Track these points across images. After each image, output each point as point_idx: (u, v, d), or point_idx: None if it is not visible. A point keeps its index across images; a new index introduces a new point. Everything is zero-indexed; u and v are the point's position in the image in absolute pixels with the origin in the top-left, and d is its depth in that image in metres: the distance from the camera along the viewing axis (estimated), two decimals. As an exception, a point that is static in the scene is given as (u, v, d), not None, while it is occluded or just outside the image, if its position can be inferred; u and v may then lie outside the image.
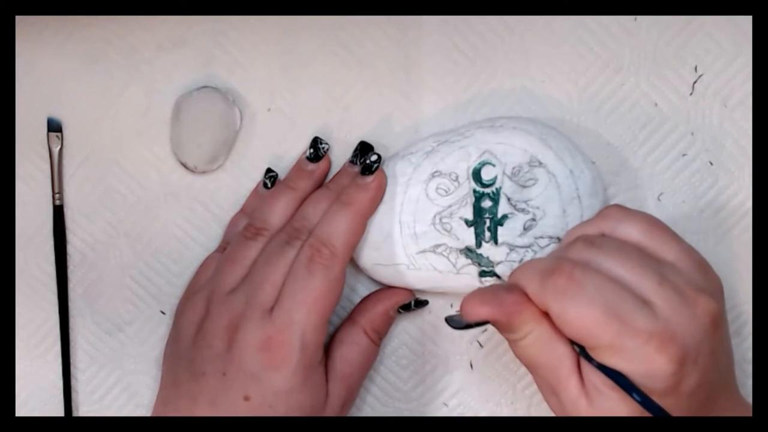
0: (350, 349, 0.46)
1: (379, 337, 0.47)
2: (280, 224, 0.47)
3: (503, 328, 0.39)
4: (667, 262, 0.39)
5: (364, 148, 0.47)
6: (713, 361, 0.38)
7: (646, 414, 0.37)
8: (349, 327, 0.47)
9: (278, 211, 0.47)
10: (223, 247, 0.48)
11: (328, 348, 0.46)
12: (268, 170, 0.49)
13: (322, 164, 0.48)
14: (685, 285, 0.38)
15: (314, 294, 0.43)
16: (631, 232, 0.40)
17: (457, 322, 0.40)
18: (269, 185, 0.48)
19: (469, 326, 0.39)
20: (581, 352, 0.38)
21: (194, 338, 0.45)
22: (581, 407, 0.39)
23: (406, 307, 0.47)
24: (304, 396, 0.43)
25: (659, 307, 0.37)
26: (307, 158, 0.48)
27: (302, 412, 0.43)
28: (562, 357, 0.39)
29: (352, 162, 0.47)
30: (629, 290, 0.37)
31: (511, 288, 0.39)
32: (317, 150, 0.48)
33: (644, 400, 0.37)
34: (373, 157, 0.46)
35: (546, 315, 0.38)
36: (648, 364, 0.36)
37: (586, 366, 0.38)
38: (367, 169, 0.46)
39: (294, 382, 0.43)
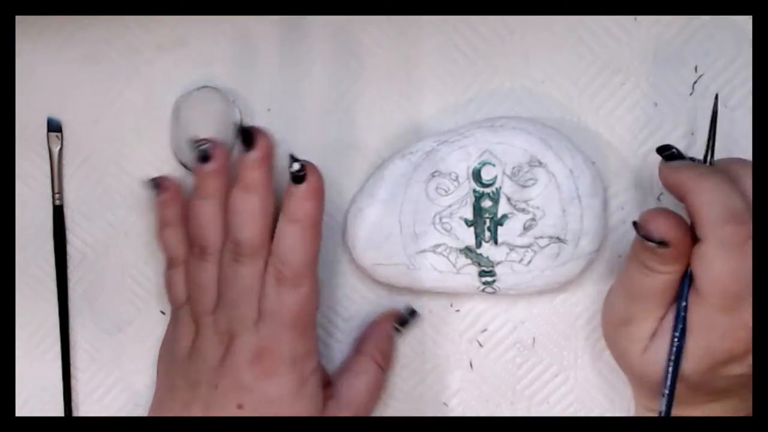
0: (358, 378, 0.47)
1: (386, 362, 0.48)
2: (219, 233, 0.45)
3: (666, 257, 0.40)
4: None
5: (242, 131, 0.44)
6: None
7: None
8: (358, 357, 0.47)
9: (208, 224, 0.45)
10: (170, 265, 0.47)
11: (336, 375, 0.47)
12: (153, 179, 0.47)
13: (218, 159, 0.45)
14: None
15: (291, 310, 0.43)
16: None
17: (643, 231, 0.40)
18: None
19: (649, 239, 0.40)
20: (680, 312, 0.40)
21: (190, 351, 0.45)
22: (638, 348, 0.42)
23: (402, 323, 0.48)
24: (298, 405, 0.44)
25: None
26: (198, 161, 0.45)
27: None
28: (667, 302, 0.41)
29: (245, 151, 0.44)
30: None
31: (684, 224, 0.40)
32: (202, 152, 0.45)
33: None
34: (296, 166, 0.43)
35: (687, 260, 0.40)
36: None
37: (668, 323, 0.41)
38: (298, 179, 0.43)
39: (287, 390, 0.43)
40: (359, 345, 0.48)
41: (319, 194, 0.43)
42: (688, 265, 0.40)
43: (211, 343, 0.44)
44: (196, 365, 0.44)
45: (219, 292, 0.44)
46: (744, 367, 0.40)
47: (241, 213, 0.43)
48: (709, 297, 0.39)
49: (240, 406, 0.43)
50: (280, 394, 0.43)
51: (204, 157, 0.45)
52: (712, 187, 0.39)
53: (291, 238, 0.43)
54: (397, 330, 0.48)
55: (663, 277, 0.40)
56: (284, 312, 0.43)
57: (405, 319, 0.48)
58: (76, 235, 0.51)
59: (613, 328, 0.43)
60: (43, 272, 0.51)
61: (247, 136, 0.43)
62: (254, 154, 0.43)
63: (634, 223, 0.41)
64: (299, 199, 0.43)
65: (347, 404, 0.46)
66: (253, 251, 0.43)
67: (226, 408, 0.43)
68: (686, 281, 0.40)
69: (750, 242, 0.38)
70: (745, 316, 0.38)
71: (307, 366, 0.44)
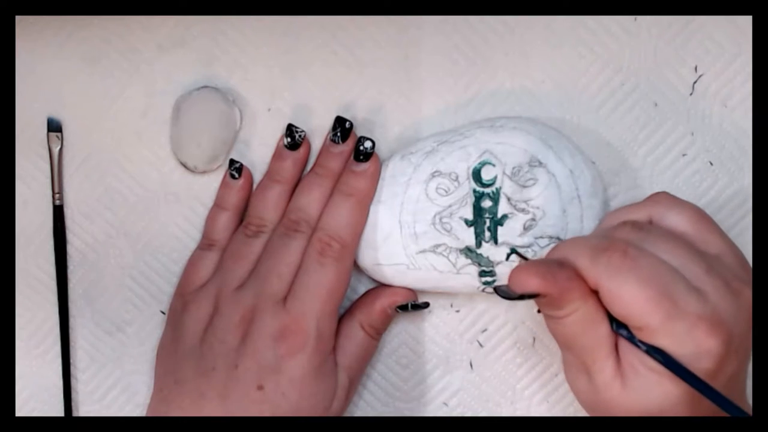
0: (348, 341, 0.47)
1: (376, 332, 0.48)
2: (278, 217, 0.47)
3: (550, 303, 0.38)
4: (712, 254, 0.39)
5: (340, 122, 0.47)
6: (747, 356, 0.38)
7: (677, 397, 0.37)
8: (347, 320, 0.47)
9: (272, 205, 0.47)
10: (207, 244, 0.48)
11: None
12: (232, 161, 0.48)
13: (302, 150, 0.48)
14: (730, 276, 0.38)
15: (328, 286, 0.44)
16: (679, 221, 0.40)
17: (505, 293, 0.39)
18: (237, 176, 0.48)
19: (518, 298, 0.38)
20: (628, 335, 0.38)
21: (202, 336, 0.45)
22: (615, 389, 0.38)
23: (403, 308, 0.47)
24: (317, 383, 0.44)
25: (708, 294, 0.37)
26: (285, 146, 0.48)
27: (314, 399, 0.44)
28: (602, 337, 0.39)
29: (333, 141, 0.47)
30: (680, 274, 0.37)
31: (561, 263, 0.39)
32: (293, 137, 0.47)
33: (694, 381, 0.37)
34: (368, 144, 0.46)
35: (592, 294, 0.38)
36: (696, 346, 0.36)
37: (625, 347, 0.38)
38: (363, 156, 0.46)
39: (308, 369, 0.44)
40: (352, 309, 0.48)
41: (378, 175, 0.46)
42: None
43: (230, 322, 0.44)
44: (211, 350, 0.44)
45: (254, 267, 0.46)
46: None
47: (312, 195, 0.46)
48: (635, 322, 0.37)
49: (260, 387, 0.43)
50: (302, 374, 0.44)
51: (294, 145, 0.47)
52: (568, 245, 0.39)
53: (345, 211, 0.45)
54: (397, 311, 0.48)
55: (569, 319, 0.39)
56: (321, 285, 0.44)
57: (409, 306, 0.47)
58: (76, 235, 0.51)
59: (582, 390, 0.41)
60: (43, 272, 0.51)
61: (345, 131, 0.46)
62: (343, 147, 0.46)
63: (494, 288, 0.40)
64: (359, 175, 0.46)
65: (342, 368, 0.46)
66: (310, 228, 0.46)
67: (246, 390, 0.43)
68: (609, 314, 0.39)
69: (630, 252, 0.37)
70: (688, 309, 0.37)
71: (328, 345, 0.45)
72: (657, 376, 0.37)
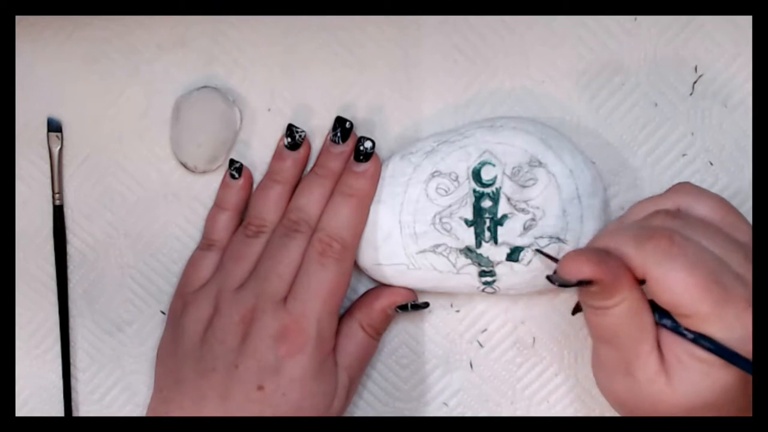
0: (348, 341, 0.47)
1: (376, 332, 0.48)
2: (278, 218, 0.47)
3: (601, 292, 0.38)
4: (744, 242, 0.39)
5: (340, 122, 0.47)
6: None
7: (727, 385, 0.37)
8: (347, 320, 0.47)
9: (272, 206, 0.47)
10: (207, 244, 0.48)
11: None
12: (232, 161, 0.48)
13: (302, 150, 0.48)
14: None
15: (328, 286, 0.45)
16: (708, 210, 0.40)
17: (559, 280, 0.38)
18: (237, 176, 0.48)
19: (567, 285, 0.38)
20: (672, 325, 0.37)
21: (202, 336, 0.45)
22: (659, 384, 0.38)
23: (403, 308, 0.47)
24: (317, 383, 0.44)
25: (750, 279, 0.37)
26: (286, 147, 0.48)
27: (314, 399, 0.44)
28: (646, 329, 0.38)
29: (333, 141, 0.47)
30: (724, 260, 0.37)
31: (609, 252, 0.38)
32: (294, 137, 0.47)
33: (747, 364, 0.36)
34: (368, 144, 0.46)
35: (637, 284, 0.38)
36: (747, 330, 0.36)
37: (668, 341, 0.38)
38: (363, 156, 0.46)
39: (308, 369, 0.44)
40: (352, 309, 0.48)
41: (378, 175, 0.46)
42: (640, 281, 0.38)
43: (230, 323, 0.45)
44: (211, 351, 0.44)
45: (254, 267, 0.46)
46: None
47: (312, 195, 0.46)
48: (683, 310, 0.37)
49: (261, 388, 0.43)
50: (302, 375, 0.44)
51: (295, 145, 0.47)
52: (613, 231, 0.39)
53: (345, 211, 0.46)
54: (397, 311, 0.48)
55: (616, 310, 0.38)
56: (322, 285, 0.44)
57: (409, 306, 0.47)
58: (76, 235, 0.51)
59: (620, 389, 0.40)
60: (43, 272, 0.51)
61: (346, 131, 0.47)
62: (343, 147, 0.47)
63: (548, 277, 0.39)
64: (359, 175, 0.46)
65: (343, 367, 0.46)
66: (309, 229, 0.46)
67: (247, 390, 0.43)
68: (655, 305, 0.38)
69: (676, 239, 0.37)
70: (732, 294, 0.36)
71: (328, 345, 0.45)
72: (705, 366, 0.37)
